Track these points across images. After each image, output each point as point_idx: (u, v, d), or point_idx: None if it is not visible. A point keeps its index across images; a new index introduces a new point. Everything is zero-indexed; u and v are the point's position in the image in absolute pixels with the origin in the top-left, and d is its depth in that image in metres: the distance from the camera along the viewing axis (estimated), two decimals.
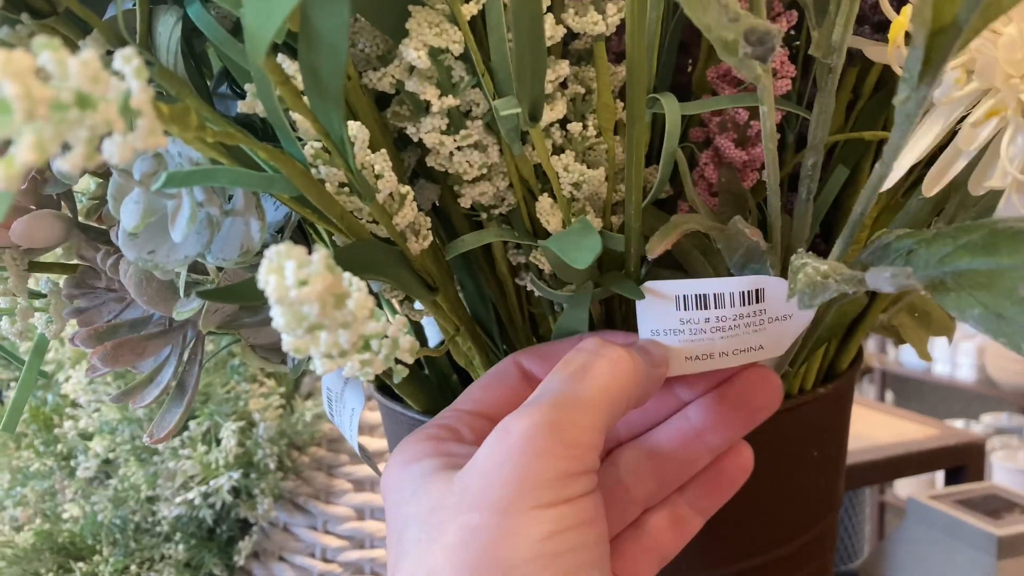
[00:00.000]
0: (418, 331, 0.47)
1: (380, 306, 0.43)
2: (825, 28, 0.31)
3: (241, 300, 0.27)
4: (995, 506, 0.81)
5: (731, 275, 0.34)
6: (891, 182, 0.29)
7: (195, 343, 0.36)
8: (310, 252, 0.21)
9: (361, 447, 0.41)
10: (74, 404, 0.81)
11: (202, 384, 0.78)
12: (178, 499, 0.69)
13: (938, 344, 2.62)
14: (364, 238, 0.30)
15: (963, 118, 0.30)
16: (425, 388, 0.42)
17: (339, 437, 0.82)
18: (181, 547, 0.75)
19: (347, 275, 0.22)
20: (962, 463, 0.96)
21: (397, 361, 0.26)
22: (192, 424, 0.73)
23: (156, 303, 0.33)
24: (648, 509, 0.33)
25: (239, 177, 0.24)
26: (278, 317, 0.20)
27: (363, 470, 0.80)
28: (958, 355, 2.61)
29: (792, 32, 0.37)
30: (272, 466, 0.73)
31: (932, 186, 0.31)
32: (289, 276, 0.19)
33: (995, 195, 0.31)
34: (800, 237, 0.36)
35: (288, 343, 0.21)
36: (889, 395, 3.09)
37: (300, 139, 0.28)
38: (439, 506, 0.26)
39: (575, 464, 0.26)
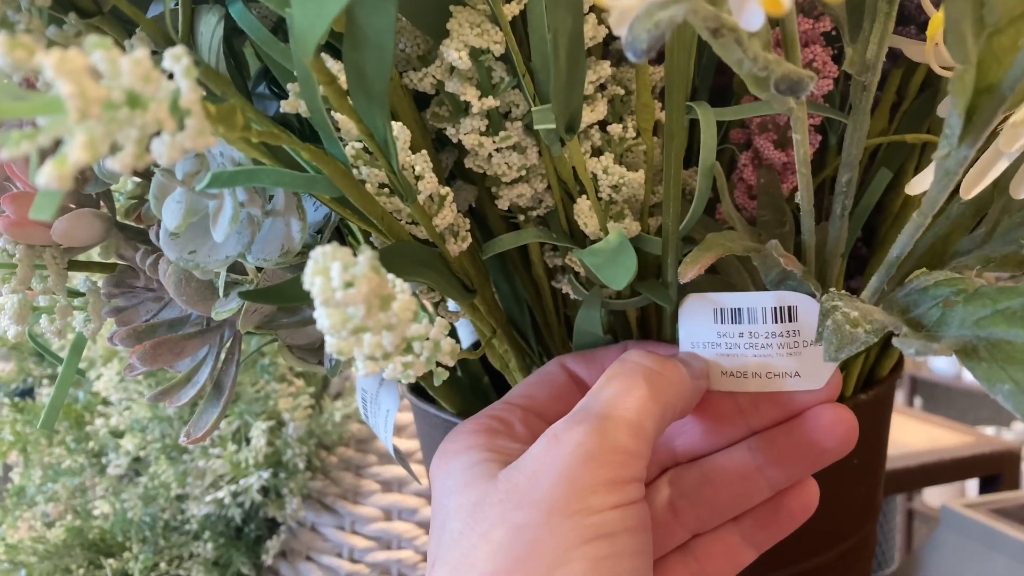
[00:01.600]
0: (450, 333, 0.47)
1: None
2: (860, 45, 0.30)
3: (282, 301, 0.27)
4: None
5: (766, 289, 0.33)
6: (924, 186, 0.28)
7: (232, 343, 0.36)
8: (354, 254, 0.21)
9: (395, 449, 0.41)
10: (105, 402, 0.82)
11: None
12: (208, 498, 0.69)
13: None
14: (403, 239, 0.29)
15: (1005, 118, 0.29)
16: (458, 390, 0.42)
17: (367, 438, 0.82)
18: (210, 546, 0.75)
19: (391, 277, 0.21)
20: (997, 471, 0.95)
21: (438, 364, 0.26)
22: (222, 423, 0.73)
23: (195, 303, 0.33)
24: (699, 534, 0.33)
25: (283, 178, 0.24)
26: (323, 319, 0.20)
27: (391, 471, 0.80)
28: None
29: (834, 32, 0.37)
30: (301, 466, 0.73)
31: (971, 188, 0.30)
32: (335, 278, 0.19)
33: None
34: (835, 252, 0.35)
35: (332, 344, 0.21)
36: (918, 400, 3.06)
37: (341, 139, 0.28)
38: (483, 502, 0.26)
39: (622, 472, 0.26)
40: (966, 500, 0.83)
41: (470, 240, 0.32)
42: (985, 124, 0.23)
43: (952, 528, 0.81)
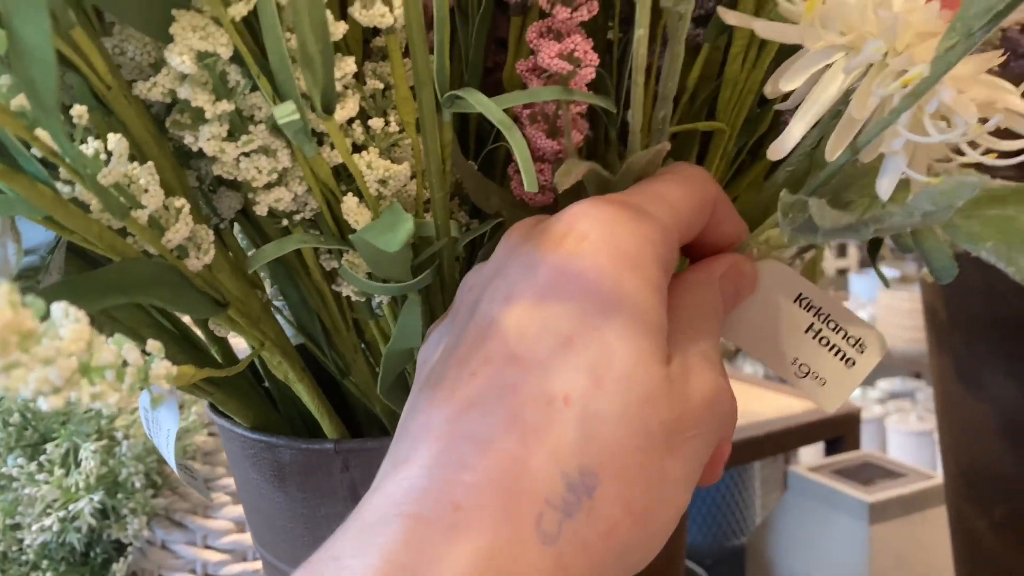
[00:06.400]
0: None
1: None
2: None
3: None
4: (869, 474, 0.83)
5: None
6: (785, 150, 0.29)
7: None
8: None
9: (185, 467, 0.39)
10: None
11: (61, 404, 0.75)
12: (35, 526, 0.66)
13: None
14: (130, 256, 0.28)
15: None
16: (251, 403, 0.40)
17: (214, 450, 0.79)
18: (50, 574, 0.72)
19: (62, 305, 0.20)
20: (840, 434, 0.99)
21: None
22: (50, 447, 0.70)
23: None
24: None
25: None
26: None
27: None
28: None
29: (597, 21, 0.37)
30: (139, 484, 0.70)
31: (834, 152, 0.30)
32: None
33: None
34: None
35: None
36: None
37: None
38: None
39: None
40: (809, 464, 0.86)
41: (213, 252, 0.31)
42: None
43: (798, 491, 0.84)
